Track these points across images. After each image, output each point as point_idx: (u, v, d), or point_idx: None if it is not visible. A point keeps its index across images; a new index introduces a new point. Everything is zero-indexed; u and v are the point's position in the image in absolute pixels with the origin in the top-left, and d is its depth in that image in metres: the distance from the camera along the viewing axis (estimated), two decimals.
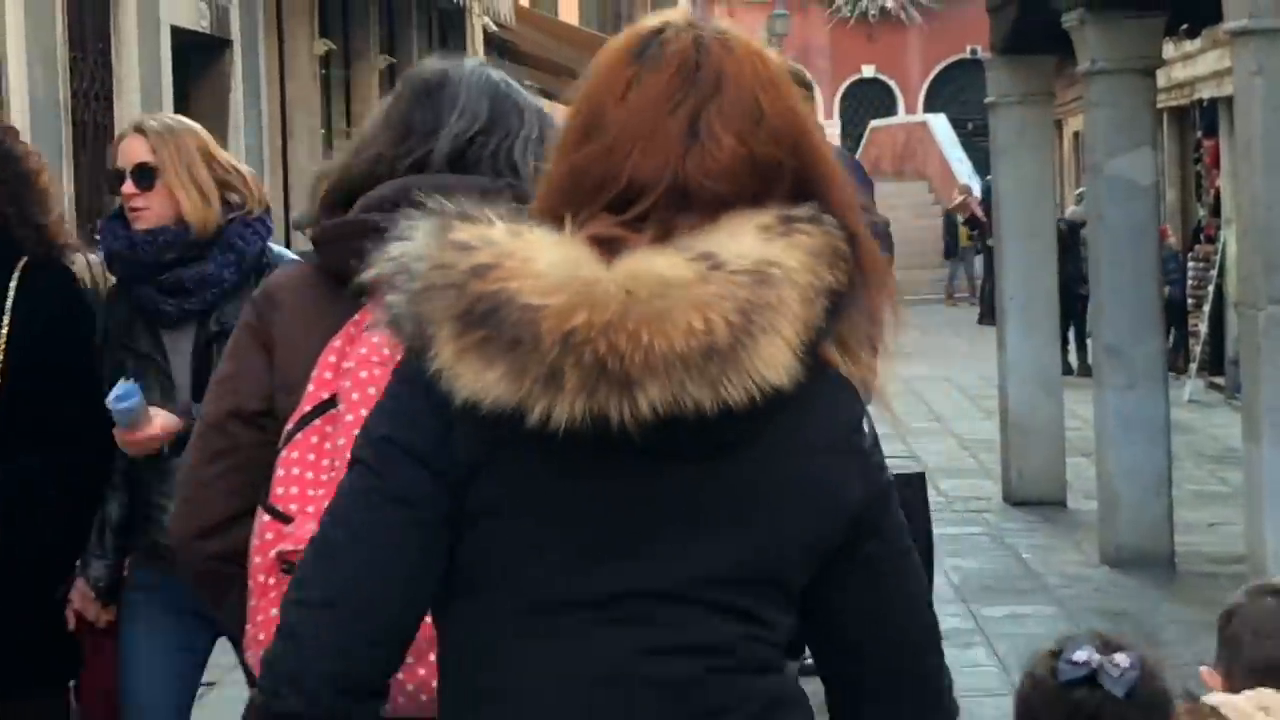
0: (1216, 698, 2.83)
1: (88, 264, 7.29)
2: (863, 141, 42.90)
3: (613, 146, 2.15)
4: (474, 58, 3.53)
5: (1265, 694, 2.85)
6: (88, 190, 10.16)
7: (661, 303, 2.05)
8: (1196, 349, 19.19)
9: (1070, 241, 19.81)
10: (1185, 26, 12.43)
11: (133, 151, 4.75)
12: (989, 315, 25.08)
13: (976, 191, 33.81)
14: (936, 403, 18.38)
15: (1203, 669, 3.14)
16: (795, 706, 2.25)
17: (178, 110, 11.42)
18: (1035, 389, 12.41)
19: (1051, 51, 12.12)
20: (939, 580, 8.53)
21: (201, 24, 11.69)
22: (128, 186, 4.73)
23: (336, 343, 2.90)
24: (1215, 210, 19.76)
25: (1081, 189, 20.99)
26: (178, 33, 11.25)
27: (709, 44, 2.20)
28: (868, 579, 2.24)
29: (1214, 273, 19.03)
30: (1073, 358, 20.42)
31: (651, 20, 2.25)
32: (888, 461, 2.33)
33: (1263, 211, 7.96)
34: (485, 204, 2.16)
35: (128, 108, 10.60)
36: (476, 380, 2.07)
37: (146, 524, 4.70)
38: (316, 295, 3.04)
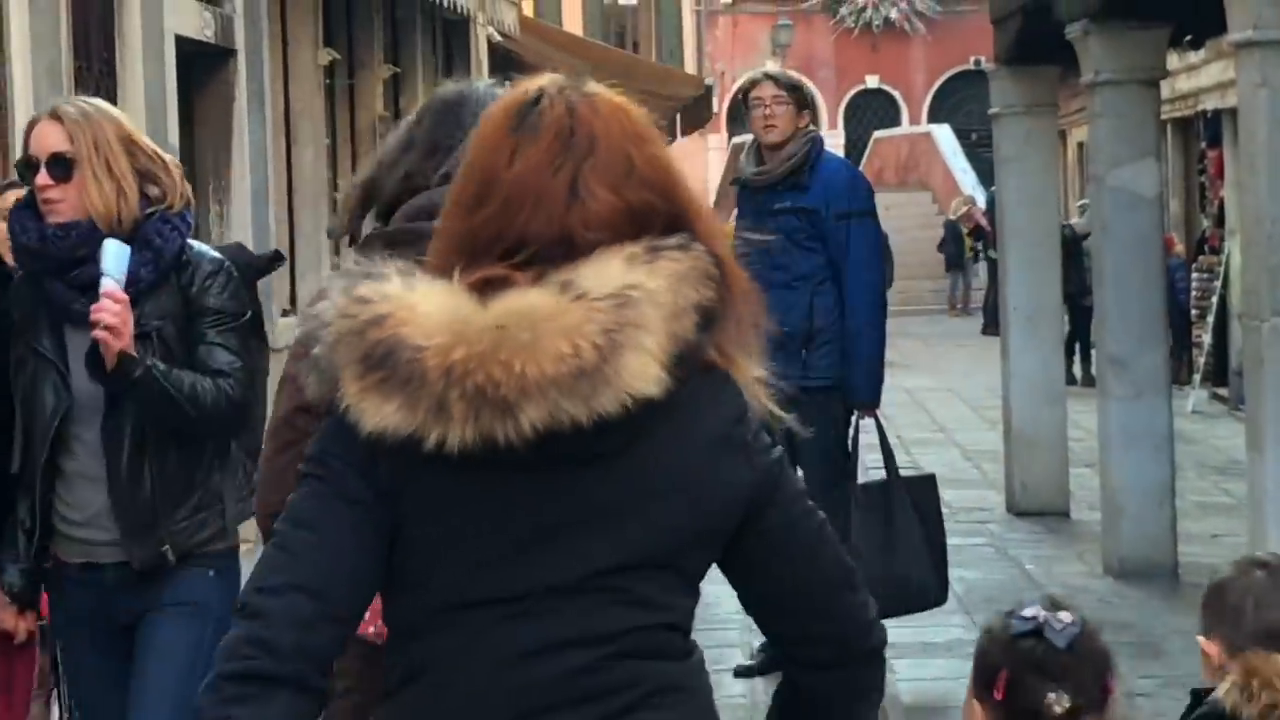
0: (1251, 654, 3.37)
1: None
2: (866, 152, 42.87)
3: (504, 209, 2.45)
4: (485, 79, 3.83)
5: None
6: None
7: (530, 334, 2.34)
8: (1200, 360, 19.18)
9: (1074, 250, 19.81)
10: (1189, 38, 12.41)
11: (48, 139, 4.40)
12: (992, 326, 25.08)
13: (980, 202, 33.80)
14: (939, 413, 18.38)
15: (1200, 639, 3.59)
16: (686, 692, 2.53)
17: (182, 121, 11.43)
18: (1039, 400, 12.41)
19: (1055, 62, 12.12)
20: None
21: (206, 33, 11.69)
22: (42, 177, 4.37)
23: None
24: (1219, 221, 19.75)
25: (1084, 200, 21.00)
26: (182, 42, 11.25)
27: (579, 109, 2.48)
28: (773, 547, 2.55)
29: (1218, 284, 19.02)
30: (1077, 369, 20.42)
31: (527, 88, 2.53)
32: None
33: (1267, 223, 7.95)
34: (392, 260, 2.47)
35: (132, 117, 10.57)
36: (377, 414, 2.38)
37: (48, 529, 4.50)
38: None
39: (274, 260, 5.13)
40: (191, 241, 4.52)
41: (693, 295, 2.42)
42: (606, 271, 2.39)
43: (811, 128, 8.18)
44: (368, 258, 2.71)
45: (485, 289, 2.40)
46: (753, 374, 2.53)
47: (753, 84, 8.22)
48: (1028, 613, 3.02)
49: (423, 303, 2.39)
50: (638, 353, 2.36)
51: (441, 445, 2.36)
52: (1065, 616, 3.01)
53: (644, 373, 2.36)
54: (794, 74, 8.65)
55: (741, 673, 7.90)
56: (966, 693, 3.10)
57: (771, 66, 8.92)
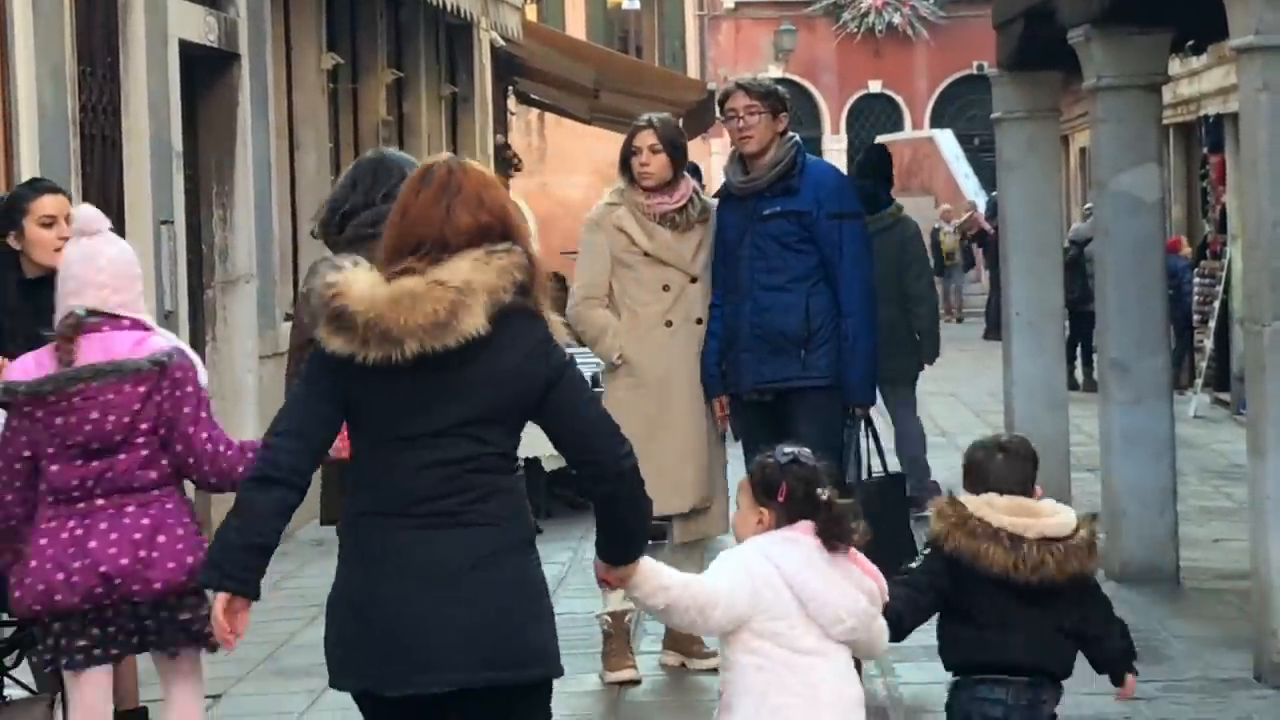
0: (961, 495, 5.34)
1: None
2: None
3: (411, 225, 4.50)
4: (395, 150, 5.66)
5: (992, 496, 5.34)
6: (96, 203, 10.17)
7: (411, 302, 4.36)
8: (1202, 365, 19.19)
9: (1077, 257, 19.81)
10: (1191, 43, 12.43)
11: None
12: (994, 331, 25.08)
13: (981, 207, 33.81)
14: (942, 418, 18.38)
15: (961, 494, 5.38)
16: (506, 492, 4.51)
17: (185, 124, 11.44)
18: (1041, 404, 12.41)
19: (1058, 67, 12.12)
20: None
21: (209, 38, 11.71)
22: None
23: None
24: (1221, 226, 19.76)
25: (1089, 204, 21.00)
26: (186, 46, 11.27)
27: (455, 170, 4.53)
28: (561, 408, 4.50)
29: (1220, 288, 19.03)
30: (1079, 373, 20.43)
31: (429, 160, 4.61)
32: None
33: (1268, 228, 7.97)
34: (350, 255, 4.61)
35: (136, 121, 10.62)
36: (332, 343, 4.41)
37: None
38: None
39: None
40: None
41: (511, 276, 4.43)
42: (458, 269, 4.40)
43: (792, 133, 8.20)
44: (336, 252, 5.60)
45: (396, 276, 4.39)
46: (554, 319, 4.50)
47: (726, 95, 8.23)
48: (786, 449, 4.84)
49: (355, 284, 4.40)
50: (470, 312, 4.36)
51: (364, 360, 4.36)
52: (787, 448, 4.85)
53: (474, 323, 4.36)
54: (767, 80, 8.57)
55: None
56: (737, 517, 4.83)
57: (747, 75, 8.84)
